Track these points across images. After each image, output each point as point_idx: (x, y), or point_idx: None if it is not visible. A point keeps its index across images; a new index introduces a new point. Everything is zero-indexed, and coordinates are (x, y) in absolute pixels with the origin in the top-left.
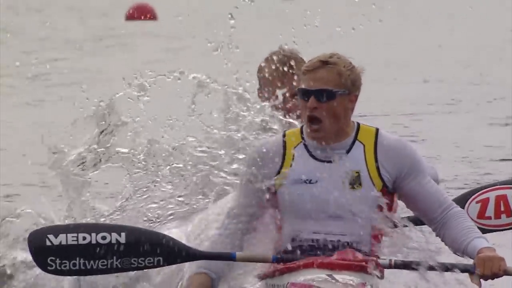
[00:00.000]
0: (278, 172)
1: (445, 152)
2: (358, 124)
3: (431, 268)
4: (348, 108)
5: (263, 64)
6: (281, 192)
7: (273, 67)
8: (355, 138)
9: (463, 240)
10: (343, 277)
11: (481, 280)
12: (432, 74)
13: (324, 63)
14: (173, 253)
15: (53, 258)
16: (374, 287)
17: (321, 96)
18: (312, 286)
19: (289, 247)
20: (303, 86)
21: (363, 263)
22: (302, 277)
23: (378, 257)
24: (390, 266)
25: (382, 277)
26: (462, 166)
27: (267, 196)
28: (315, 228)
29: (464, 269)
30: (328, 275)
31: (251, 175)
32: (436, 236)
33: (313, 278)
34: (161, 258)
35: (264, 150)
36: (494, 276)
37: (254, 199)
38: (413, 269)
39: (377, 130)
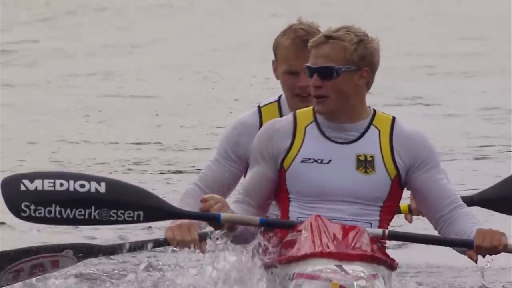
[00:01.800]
0: (288, 151)
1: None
2: (374, 111)
3: (427, 241)
4: (359, 85)
5: (280, 37)
6: (290, 172)
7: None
8: (371, 123)
9: (465, 232)
10: (353, 268)
11: (479, 256)
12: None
13: (328, 37)
14: (154, 209)
15: (27, 203)
16: (386, 278)
17: (324, 74)
18: (320, 277)
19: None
20: (308, 63)
21: (373, 253)
22: (310, 267)
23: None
24: (383, 237)
25: (395, 268)
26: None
27: (276, 175)
28: (322, 213)
29: (462, 243)
30: (337, 265)
31: (262, 151)
32: None
33: (321, 269)
34: (141, 213)
35: (277, 126)
36: (493, 250)
37: (264, 176)
38: (408, 240)
39: (394, 118)
